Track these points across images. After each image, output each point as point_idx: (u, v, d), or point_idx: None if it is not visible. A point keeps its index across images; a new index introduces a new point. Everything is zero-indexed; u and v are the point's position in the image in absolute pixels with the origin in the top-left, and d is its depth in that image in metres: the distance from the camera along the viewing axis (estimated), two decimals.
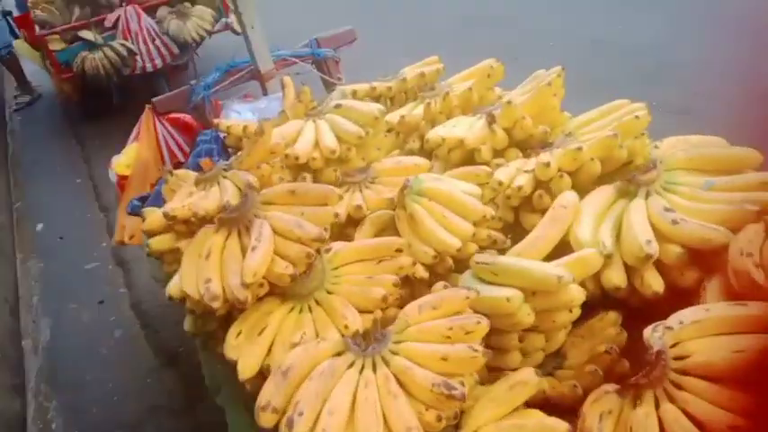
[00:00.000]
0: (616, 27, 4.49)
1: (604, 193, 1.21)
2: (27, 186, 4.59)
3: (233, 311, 1.22)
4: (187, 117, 2.28)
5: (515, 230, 1.36)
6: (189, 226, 1.40)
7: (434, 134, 1.56)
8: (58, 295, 3.10)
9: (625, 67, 3.85)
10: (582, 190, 1.26)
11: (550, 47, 4.34)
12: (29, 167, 4.92)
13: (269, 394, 0.91)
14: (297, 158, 1.54)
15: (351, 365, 0.94)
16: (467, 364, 0.89)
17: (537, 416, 0.90)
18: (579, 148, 1.22)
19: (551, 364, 1.11)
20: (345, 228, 1.42)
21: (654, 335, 0.89)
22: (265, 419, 0.88)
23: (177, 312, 2.70)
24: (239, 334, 1.14)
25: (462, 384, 0.87)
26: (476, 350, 0.88)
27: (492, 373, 1.06)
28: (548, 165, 1.23)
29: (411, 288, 1.25)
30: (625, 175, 1.26)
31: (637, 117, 1.24)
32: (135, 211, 1.77)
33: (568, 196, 1.18)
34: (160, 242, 1.41)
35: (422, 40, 4.83)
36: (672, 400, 0.82)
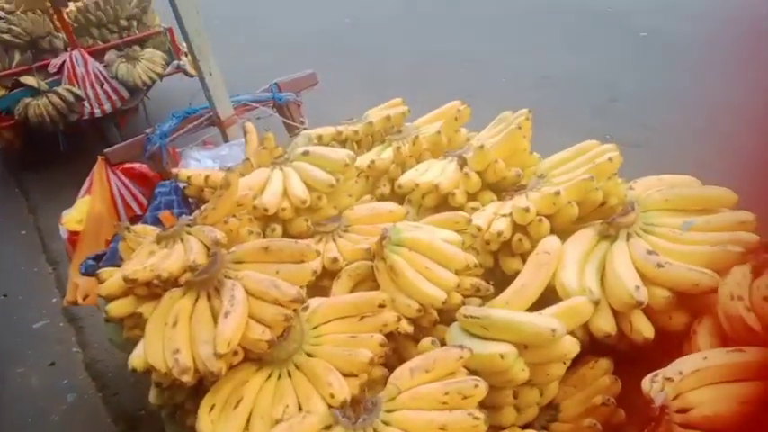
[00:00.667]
0: (564, 64, 4.68)
1: (585, 236, 1.20)
2: None
3: (204, 382, 1.12)
4: (143, 167, 2.18)
5: (495, 275, 1.34)
6: (151, 288, 1.30)
7: (407, 179, 1.53)
8: (2, 359, 2.85)
9: (575, 101, 4.00)
10: (560, 232, 1.25)
11: (502, 84, 4.47)
12: None
13: None
14: (266, 210, 1.48)
15: None
16: None
17: None
18: (557, 193, 1.22)
19: (545, 417, 1.07)
20: (320, 280, 1.36)
21: (654, 386, 0.86)
22: None
23: (137, 372, 2.53)
24: (212, 408, 1.05)
25: None
26: (477, 417, 0.83)
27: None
28: (527, 210, 1.22)
29: (395, 343, 1.20)
30: (600, 216, 1.27)
31: (610, 159, 1.25)
32: (90, 272, 1.64)
33: (551, 242, 1.16)
34: (119, 307, 1.30)
35: (378, 81, 4.91)
36: None
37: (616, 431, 0.96)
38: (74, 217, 2.07)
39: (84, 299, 1.98)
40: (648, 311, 1.05)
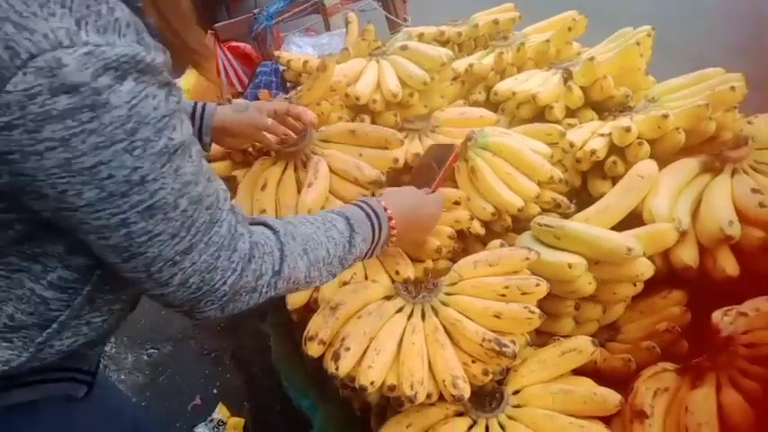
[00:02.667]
0: None
1: (686, 166, 1.13)
2: None
3: None
4: (248, 47, 2.25)
5: (581, 196, 1.30)
6: (246, 156, 1.40)
7: (504, 87, 1.48)
8: None
9: (723, 38, 3.51)
10: (659, 160, 1.17)
11: (639, 5, 4.02)
12: None
13: (317, 327, 0.91)
14: (357, 99, 1.49)
15: (399, 310, 0.93)
16: (520, 324, 0.86)
17: (587, 383, 0.87)
18: (665, 116, 1.13)
19: (604, 335, 1.07)
20: (400, 175, 1.38)
21: (725, 319, 0.84)
22: (312, 349, 0.89)
23: None
24: None
25: (514, 343, 0.84)
26: (532, 312, 0.85)
27: (540, 337, 1.04)
28: (628, 130, 1.15)
29: (464, 243, 1.22)
30: (708, 151, 1.18)
31: (732, 88, 1.14)
32: None
33: (647, 165, 1.10)
34: (217, 169, 1.41)
35: None
36: (736, 386, 0.78)
37: (676, 360, 0.94)
38: (182, 85, 2.20)
39: None
40: (736, 250, 0.99)
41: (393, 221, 0.87)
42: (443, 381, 0.83)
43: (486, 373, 0.84)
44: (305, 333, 0.93)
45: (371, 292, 0.95)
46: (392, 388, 0.84)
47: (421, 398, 0.81)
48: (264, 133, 1.16)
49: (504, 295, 0.89)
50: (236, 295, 0.66)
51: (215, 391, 1.97)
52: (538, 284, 0.88)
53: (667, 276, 1.07)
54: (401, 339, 0.89)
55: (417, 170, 1.24)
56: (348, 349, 0.86)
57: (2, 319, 0.63)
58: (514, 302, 0.88)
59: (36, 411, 0.71)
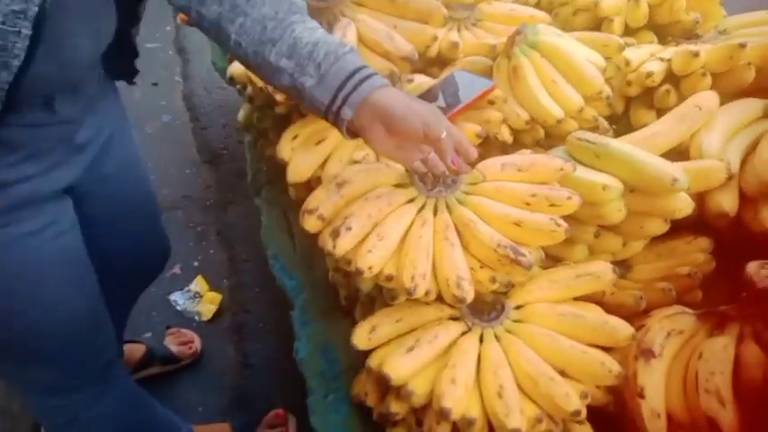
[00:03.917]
0: None
1: (748, 106, 1.01)
2: None
3: (292, 114, 1.12)
4: None
5: (619, 124, 1.19)
6: None
7: None
8: None
9: None
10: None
11: None
12: None
13: (318, 201, 0.83)
14: None
15: (411, 201, 0.85)
16: (542, 236, 0.78)
17: (598, 311, 0.81)
18: (742, 45, 1.00)
19: None
20: (431, 65, 1.26)
21: (761, 272, 0.77)
22: (309, 223, 0.81)
23: (227, 115, 2.63)
24: (296, 137, 1.05)
25: (530, 254, 0.77)
26: (558, 224, 0.77)
27: (547, 261, 0.97)
28: (695, 55, 1.03)
29: (486, 148, 1.12)
30: None
31: None
32: None
33: (708, 96, 0.99)
34: None
35: None
36: (760, 342, 0.72)
37: (686, 307, 0.88)
38: None
39: None
40: None
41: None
42: (447, 280, 0.76)
43: (493, 280, 0.78)
44: (304, 206, 0.85)
45: (383, 176, 0.86)
46: (390, 278, 0.78)
47: (420, 292, 0.75)
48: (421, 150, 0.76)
49: (528, 204, 0.81)
50: None
51: (195, 264, 1.94)
52: (570, 198, 0.79)
53: (693, 222, 0.99)
54: (408, 230, 0.81)
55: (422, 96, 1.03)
56: (349, 229, 0.78)
57: None
58: (539, 213, 0.79)
59: None
